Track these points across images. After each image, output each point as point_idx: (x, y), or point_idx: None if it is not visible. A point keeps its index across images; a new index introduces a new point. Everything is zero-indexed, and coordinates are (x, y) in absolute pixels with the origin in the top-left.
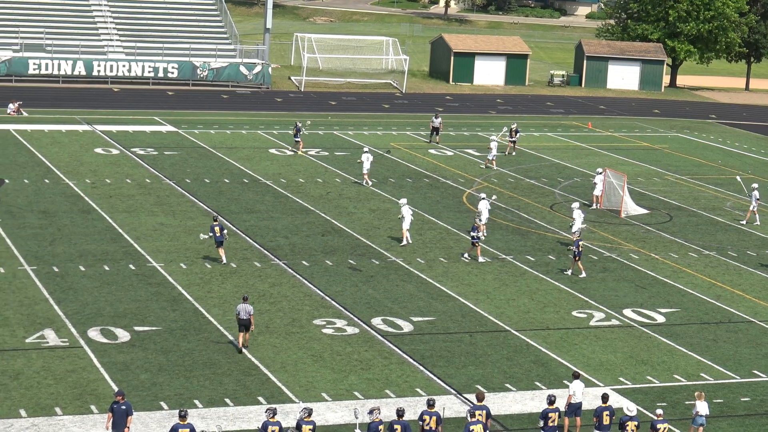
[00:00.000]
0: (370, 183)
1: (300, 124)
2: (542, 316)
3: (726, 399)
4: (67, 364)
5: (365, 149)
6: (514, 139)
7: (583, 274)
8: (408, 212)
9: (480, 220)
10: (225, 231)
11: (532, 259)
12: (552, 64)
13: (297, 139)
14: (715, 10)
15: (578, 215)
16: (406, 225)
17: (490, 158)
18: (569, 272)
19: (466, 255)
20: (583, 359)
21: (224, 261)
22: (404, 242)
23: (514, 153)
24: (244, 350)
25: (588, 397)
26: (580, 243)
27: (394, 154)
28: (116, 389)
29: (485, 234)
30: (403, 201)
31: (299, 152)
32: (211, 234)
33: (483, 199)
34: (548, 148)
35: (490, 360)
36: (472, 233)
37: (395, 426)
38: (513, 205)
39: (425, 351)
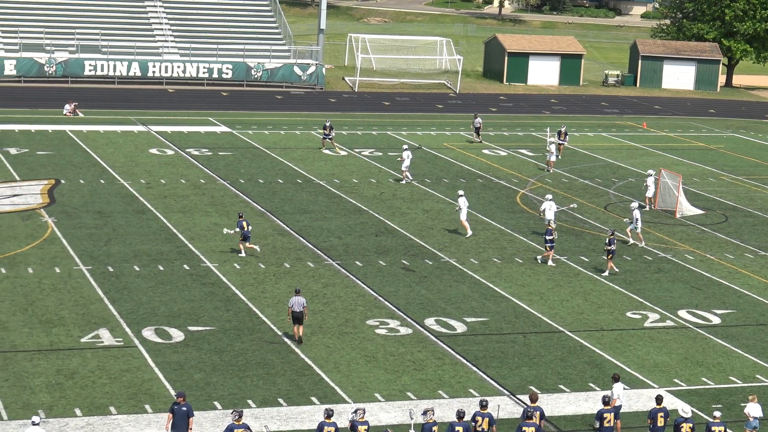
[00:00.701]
0: (410, 179)
1: (329, 123)
2: (596, 317)
3: None
4: (122, 364)
5: (405, 146)
6: (563, 141)
7: (606, 273)
8: (464, 203)
9: (552, 224)
10: (250, 226)
11: (586, 259)
12: (606, 64)
13: (329, 137)
14: None
15: (638, 214)
16: (462, 216)
17: (553, 160)
18: (607, 273)
19: (539, 259)
20: (638, 360)
21: (243, 254)
22: (469, 233)
23: (559, 156)
24: (297, 345)
25: (642, 398)
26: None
27: (448, 154)
28: (171, 389)
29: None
30: (460, 192)
31: (336, 150)
32: (238, 229)
33: (549, 200)
34: (602, 148)
35: (544, 361)
36: (546, 237)
37: (456, 428)
38: (567, 205)
39: (478, 352)
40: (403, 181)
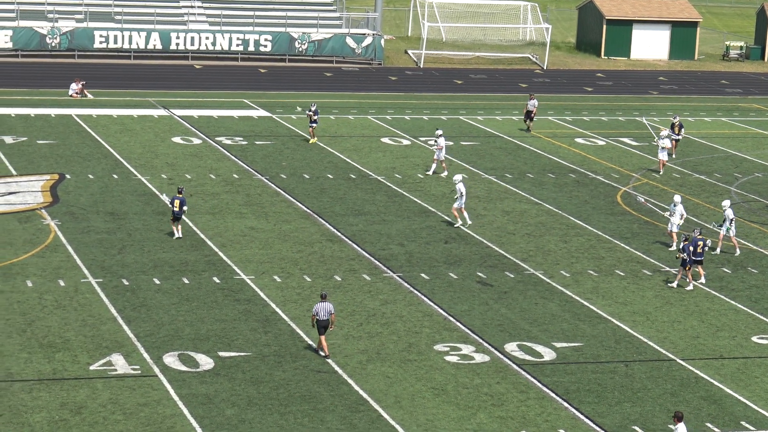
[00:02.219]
0: (446, 171)
1: (315, 106)
2: (714, 342)
3: None
4: (139, 396)
5: (439, 131)
6: (678, 136)
7: (674, 284)
8: (462, 189)
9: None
10: (185, 207)
11: (703, 272)
12: (728, 34)
13: (313, 125)
14: None
15: (731, 214)
16: (460, 203)
17: (665, 160)
18: (675, 284)
19: (686, 280)
20: (766, 396)
21: (179, 236)
22: (458, 223)
23: (673, 155)
24: (325, 358)
25: None
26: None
27: (534, 144)
28: (198, 428)
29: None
30: (458, 177)
31: (312, 140)
32: (171, 207)
33: (678, 203)
34: (722, 136)
35: (651, 395)
36: (685, 252)
37: None
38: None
39: (570, 384)
40: (430, 172)
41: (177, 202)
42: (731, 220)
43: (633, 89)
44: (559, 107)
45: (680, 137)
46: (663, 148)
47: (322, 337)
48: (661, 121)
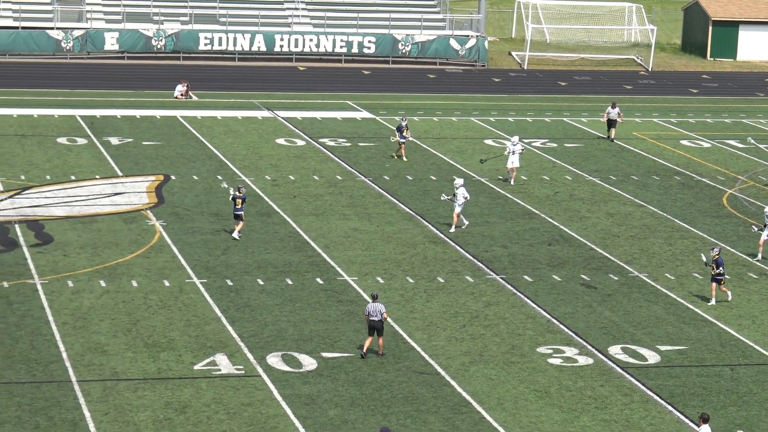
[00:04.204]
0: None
1: (405, 121)
2: None
3: None
4: (243, 396)
5: (515, 138)
6: None
7: (712, 302)
8: (463, 194)
9: None
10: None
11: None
12: None
13: (402, 140)
14: None
15: None
16: (458, 209)
17: None
18: (713, 302)
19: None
20: None
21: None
22: (453, 228)
23: None
24: (368, 356)
25: None
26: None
27: (638, 145)
28: (301, 427)
29: None
30: (459, 182)
31: (396, 155)
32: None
33: None
34: None
35: (757, 400)
36: None
37: None
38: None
39: (675, 387)
40: (512, 181)
41: (239, 201)
42: None
43: (739, 91)
44: (664, 109)
45: None
46: None
47: (372, 339)
48: None
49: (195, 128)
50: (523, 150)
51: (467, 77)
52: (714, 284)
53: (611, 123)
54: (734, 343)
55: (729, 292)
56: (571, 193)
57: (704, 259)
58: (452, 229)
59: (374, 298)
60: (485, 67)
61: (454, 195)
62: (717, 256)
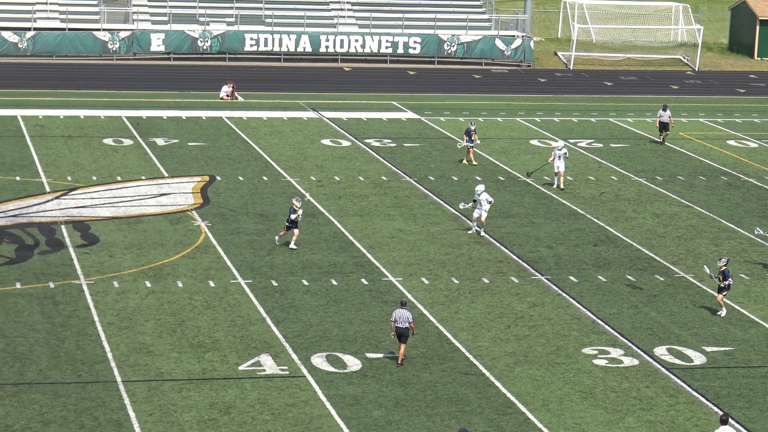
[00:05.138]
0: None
1: (474, 126)
2: None
3: None
4: (287, 397)
5: (560, 142)
6: None
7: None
8: (486, 199)
9: None
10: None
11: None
12: None
13: (470, 144)
14: None
15: None
16: (476, 213)
17: None
18: (723, 312)
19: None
20: None
21: (293, 246)
22: (474, 230)
23: None
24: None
25: None
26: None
27: (684, 146)
28: (345, 428)
29: None
30: (481, 188)
31: (465, 161)
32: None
33: None
34: None
35: None
36: None
37: None
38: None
39: (721, 389)
40: (561, 185)
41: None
42: None
43: None
44: (711, 109)
45: None
46: None
47: (403, 345)
48: None
49: (240, 129)
50: (567, 155)
51: (513, 77)
52: (719, 295)
53: (663, 126)
54: None
55: (724, 309)
56: (616, 193)
57: (708, 271)
58: (473, 231)
59: (402, 305)
60: (531, 68)
61: (474, 201)
62: (724, 267)
